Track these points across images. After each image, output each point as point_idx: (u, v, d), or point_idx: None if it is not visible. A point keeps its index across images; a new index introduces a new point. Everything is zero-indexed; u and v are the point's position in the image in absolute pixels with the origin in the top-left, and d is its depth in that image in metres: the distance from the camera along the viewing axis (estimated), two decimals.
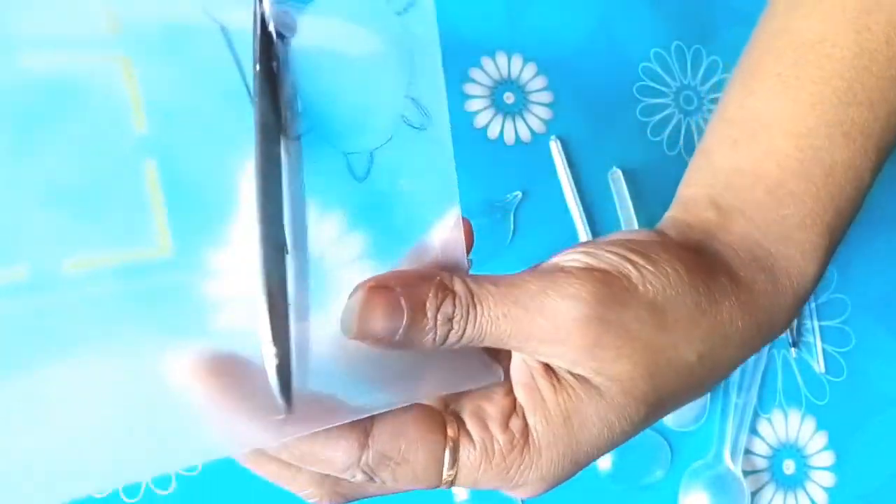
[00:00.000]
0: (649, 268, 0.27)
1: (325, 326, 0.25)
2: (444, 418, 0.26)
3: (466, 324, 0.25)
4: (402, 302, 0.25)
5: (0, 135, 0.21)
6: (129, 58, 0.23)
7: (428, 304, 0.25)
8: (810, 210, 0.31)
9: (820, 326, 0.54)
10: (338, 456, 0.24)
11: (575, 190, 0.49)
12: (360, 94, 0.26)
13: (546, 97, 0.50)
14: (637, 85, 0.51)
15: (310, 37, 0.25)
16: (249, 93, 0.24)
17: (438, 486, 0.26)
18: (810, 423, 0.53)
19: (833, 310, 0.54)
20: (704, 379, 0.29)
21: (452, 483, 0.26)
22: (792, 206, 0.31)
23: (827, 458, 0.53)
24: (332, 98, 0.25)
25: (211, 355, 0.23)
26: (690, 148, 0.52)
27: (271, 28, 0.24)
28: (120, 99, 0.23)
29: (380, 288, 0.25)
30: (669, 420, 0.50)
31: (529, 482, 0.27)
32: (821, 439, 0.53)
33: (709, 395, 0.50)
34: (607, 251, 0.28)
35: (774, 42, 0.34)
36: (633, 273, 0.27)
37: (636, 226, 0.50)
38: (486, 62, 0.50)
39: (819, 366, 0.53)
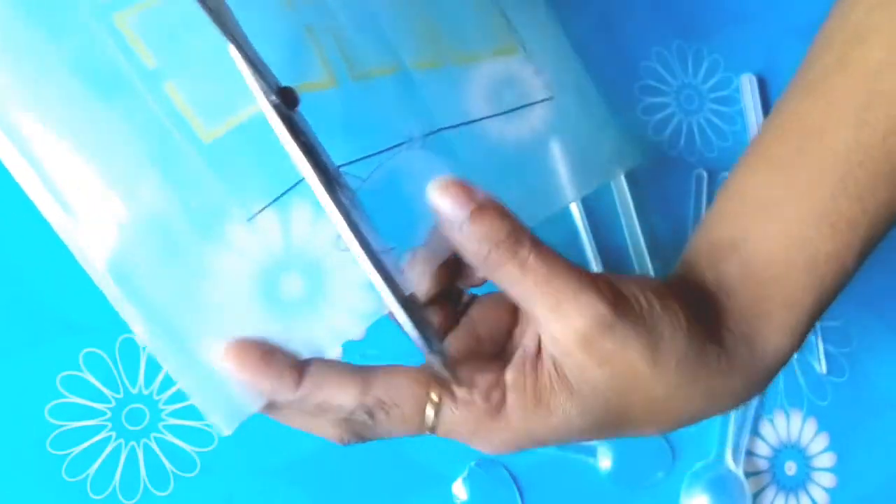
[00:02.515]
0: (659, 306, 0.31)
1: None
2: (429, 380, 0.31)
3: (509, 258, 0.30)
4: (471, 198, 0.30)
5: None
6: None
7: (491, 223, 0.30)
8: (791, 294, 0.34)
9: (821, 326, 0.54)
10: (346, 401, 0.30)
11: None
12: None
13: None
14: (638, 84, 0.51)
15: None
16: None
17: (423, 432, 0.32)
18: (812, 424, 0.53)
19: (835, 310, 0.54)
20: (665, 419, 0.33)
21: (434, 430, 0.32)
22: (775, 290, 0.34)
23: (828, 460, 0.53)
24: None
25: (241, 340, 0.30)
26: (691, 147, 0.52)
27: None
28: None
29: (464, 187, 0.30)
30: None
31: (493, 443, 0.32)
32: (822, 440, 0.53)
33: None
34: (629, 281, 0.32)
35: (783, 126, 0.37)
36: (646, 305, 0.31)
37: (636, 224, 0.50)
38: None
39: (821, 366, 0.53)
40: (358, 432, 0.32)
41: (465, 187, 0.30)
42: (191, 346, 0.30)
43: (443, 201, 0.30)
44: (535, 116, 0.39)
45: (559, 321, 0.30)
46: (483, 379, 0.31)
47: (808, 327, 0.35)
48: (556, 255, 0.31)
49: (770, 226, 0.35)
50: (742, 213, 0.36)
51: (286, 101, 0.28)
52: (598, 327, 0.30)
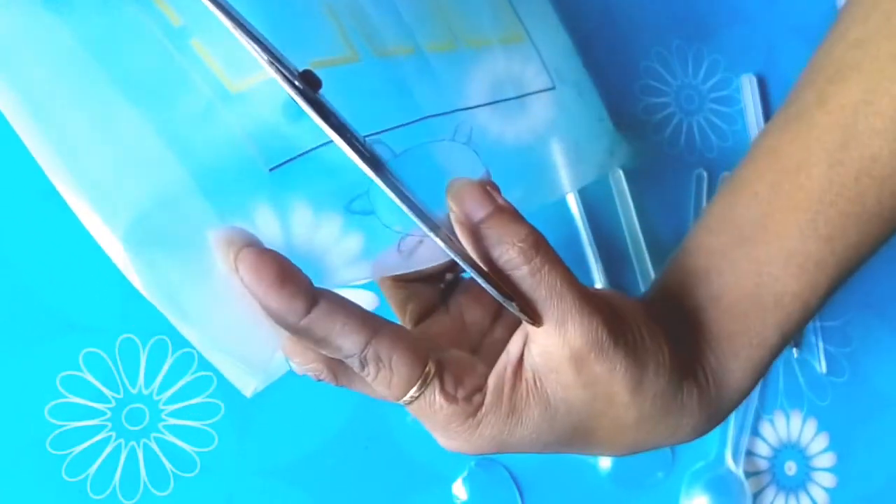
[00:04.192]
0: (649, 339, 0.32)
1: None
2: (428, 355, 0.31)
3: (522, 263, 0.29)
4: (491, 199, 0.30)
5: None
6: None
7: (509, 225, 0.29)
8: (757, 332, 0.34)
9: (822, 327, 0.54)
10: (347, 345, 0.29)
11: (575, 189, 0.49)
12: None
13: None
14: (638, 83, 0.51)
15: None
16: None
17: (398, 400, 0.31)
18: (812, 424, 0.53)
19: (835, 310, 0.54)
20: (626, 445, 0.34)
21: (409, 404, 0.31)
22: (743, 327, 0.34)
23: (828, 460, 0.53)
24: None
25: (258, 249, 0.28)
26: (691, 147, 0.52)
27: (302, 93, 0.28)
28: None
29: (487, 188, 0.30)
30: None
31: (458, 440, 0.32)
32: (822, 440, 0.53)
33: None
34: (623, 305, 0.32)
35: (762, 160, 0.37)
36: (638, 337, 0.31)
37: (636, 224, 0.50)
38: None
39: (821, 366, 0.53)
40: (338, 376, 0.32)
41: (485, 189, 0.30)
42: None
43: (460, 200, 0.30)
44: (536, 106, 0.39)
45: (559, 336, 0.30)
46: (470, 380, 0.31)
47: (770, 364, 0.35)
48: (566, 267, 0.30)
49: (740, 262, 0.35)
50: (716, 246, 0.36)
51: (310, 85, 0.28)
52: (593, 350, 0.30)
